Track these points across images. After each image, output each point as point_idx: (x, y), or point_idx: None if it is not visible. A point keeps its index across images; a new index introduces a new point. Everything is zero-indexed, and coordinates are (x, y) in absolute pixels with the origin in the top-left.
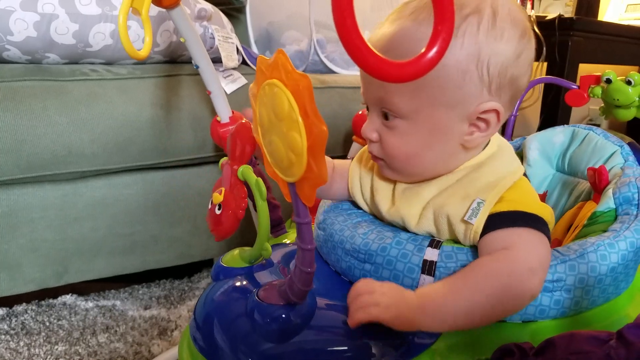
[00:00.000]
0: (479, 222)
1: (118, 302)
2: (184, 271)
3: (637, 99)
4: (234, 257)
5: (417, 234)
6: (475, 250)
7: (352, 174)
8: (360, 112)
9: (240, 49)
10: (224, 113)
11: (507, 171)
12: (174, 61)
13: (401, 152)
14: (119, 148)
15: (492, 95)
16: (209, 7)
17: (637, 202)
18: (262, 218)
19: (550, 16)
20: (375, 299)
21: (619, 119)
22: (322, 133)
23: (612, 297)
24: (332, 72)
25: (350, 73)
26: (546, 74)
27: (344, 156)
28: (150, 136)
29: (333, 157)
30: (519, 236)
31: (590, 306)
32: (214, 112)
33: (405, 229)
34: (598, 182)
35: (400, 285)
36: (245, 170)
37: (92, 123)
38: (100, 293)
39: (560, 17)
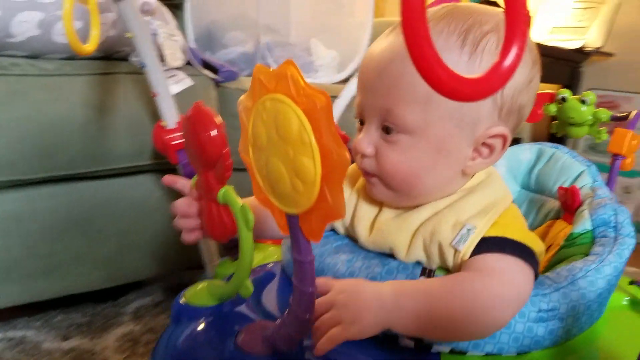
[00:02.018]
0: (466, 249)
1: (30, 333)
2: (108, 293)
3: (590, 117)
4: (200, 293)
5: (405, 262)
6: None
7: None
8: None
9: (186, 47)
10: (171, 118)
11: (498, 197)
12: (110, 57)
13: (401, 169)
14: (42, 155)
15: (501, 120)
16: (153, 0)
17: (614, 224)
18: (246, 251)
19: None
20: (336, 317)
21: (572, 136)
22: (343, 160)
23: (596, 320)
24: None
25: None
26: None
27: None
28: (79, 141)
29: None
30: (505, 263)
31: (578, 332)
32: (155, 115)
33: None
34: (570, 202)
35: None
36: (229, 194)
37: (9, 126)
38: (9, 322)
39: None
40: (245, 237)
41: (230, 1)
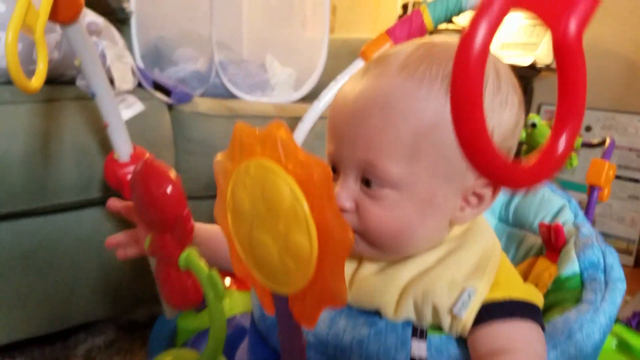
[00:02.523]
0: (468, 315)
1: None
2: (56, 334)
3: None
4: None
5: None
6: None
7: None
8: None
9: (136, 69)
10: (124, 150)
11: (488, 247)
12: (54, 81)
13: (388, 227)
14: None
15: None
16: (100, 20)
17: (603, 267)
18: (217, 324)
19: None
20: None
21: None
22: (346, 241)
23: None
24: (234, 96)
25: (253, 98)
26: None
27: None
28: (21, 175)
29: None
30: (518, 333)
31: None
32: (104, 144)
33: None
34: (555, 240)
35: None
36: (192, 258)
37: None
38: None
39: None
40: (215, 309)
41: (179, 16)
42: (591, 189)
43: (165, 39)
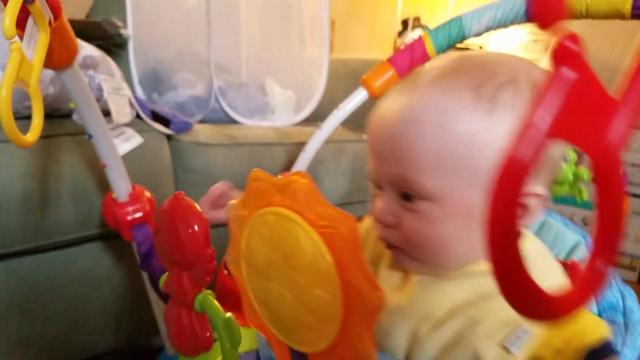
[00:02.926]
0: (521, 355)
1: None
2: None
3: (571, 176)
4: None
5: None
6: None
7: None
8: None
9: (134, 101)
10: (123, 190)
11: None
12: (50, 116)
13: (429, 240)
14: None
15: (535, 178)
16: (96, 53)
17: (622, 310)
18: None
19: None
20: None
21: (552, 195)
22: (376, 302)
23: None
24: (234, 121)
25: (253, 123)
26: None
27: None
28: (17, 215)
29: None
30: None
31: None
32: (103, 180)
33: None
34: (572, 279)
35: None
36: (208, 301)
37: None
38: None
39: None
40: (230, 358)
41: (178, 38)
42: None
43: (163, 61)
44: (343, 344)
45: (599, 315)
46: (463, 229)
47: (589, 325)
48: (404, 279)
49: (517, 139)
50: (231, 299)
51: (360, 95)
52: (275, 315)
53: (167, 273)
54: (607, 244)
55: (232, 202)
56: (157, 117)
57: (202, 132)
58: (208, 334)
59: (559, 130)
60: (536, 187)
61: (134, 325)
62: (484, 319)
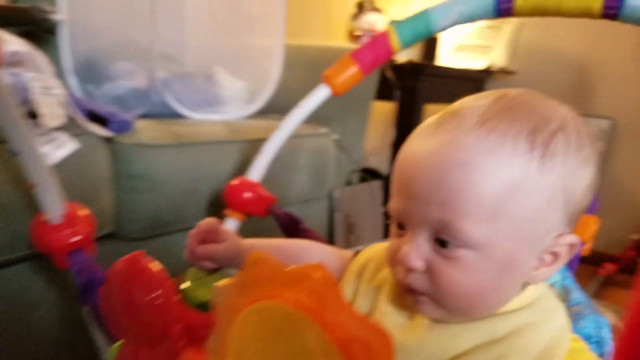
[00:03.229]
0: None
1: None
2: None
3: None
4: None
5: None
6: None
7: (345, 290)
8: (235, 183)
9: (67, 98)
10: (55, 212)
11: (558, 333)
12: None
13: (463, 289)
14: None
15: (569, 227)
16: (23, 47)
17: (597, 339)
18: None
19: (400, 60)
20: None
21: None
22: None
23: None
24: (179, 115)
25: (200, 116)
26: (397, 115)
27: None
28: None
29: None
30: None
31: None
32: (29, 199)
33: None
34: None
35: None
36: None
37: None
38: None
39: (410, 62)
40: None
41: (116, 24)
42: None
43: (100, 50)
44: None
45: None
46: (499, 278)
47: None
48: (410, 318)
49: None
50: None
51: (322, 93)
52: None
53: (119, 342)
54: None
55: (223, 284)
56: (94, 116)
57: (145, 131)
58: None
59: None
60: (571, 238)
61: (70, 353)
62: None
